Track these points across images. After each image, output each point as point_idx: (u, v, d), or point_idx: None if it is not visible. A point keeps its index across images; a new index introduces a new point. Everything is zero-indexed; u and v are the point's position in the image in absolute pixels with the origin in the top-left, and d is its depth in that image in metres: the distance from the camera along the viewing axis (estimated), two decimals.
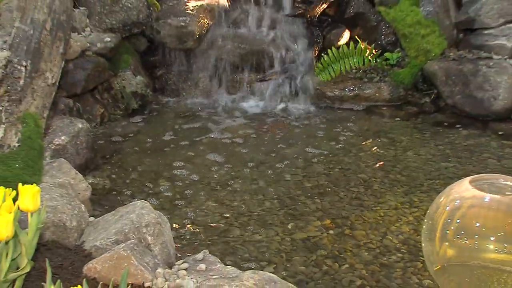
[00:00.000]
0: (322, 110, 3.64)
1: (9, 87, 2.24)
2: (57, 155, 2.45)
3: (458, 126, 3.34)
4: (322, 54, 3.81)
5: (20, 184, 1.36)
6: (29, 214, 1.38)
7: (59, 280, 1.34)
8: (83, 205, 1.98)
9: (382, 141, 3.16)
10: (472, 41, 3.67)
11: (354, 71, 3.77)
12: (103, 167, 2.81)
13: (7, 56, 2.31)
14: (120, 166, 2.85)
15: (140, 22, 3.49)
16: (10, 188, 1.38)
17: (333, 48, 3.78)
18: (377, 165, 2.76)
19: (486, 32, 3.61)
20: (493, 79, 3.36)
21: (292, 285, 1.61)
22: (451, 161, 2.90)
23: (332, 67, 3.75)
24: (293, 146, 3.12)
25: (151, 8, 3.53)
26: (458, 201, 1.66)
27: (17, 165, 2.06)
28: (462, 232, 1.62)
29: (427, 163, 2.88)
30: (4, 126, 2.14)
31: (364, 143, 3.14)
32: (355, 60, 3.76)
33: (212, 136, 3.24)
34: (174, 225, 2.28)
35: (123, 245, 1.66)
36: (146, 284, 1.59)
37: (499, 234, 1.58)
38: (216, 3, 3.86)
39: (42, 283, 1.37)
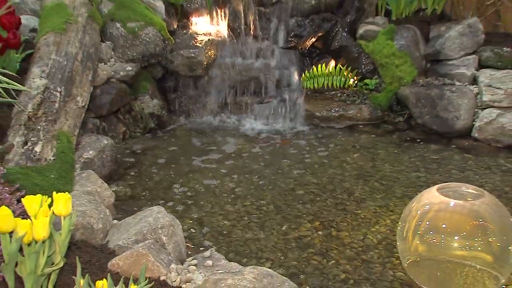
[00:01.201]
0: (312, 128, 3.65)
1: (46, 110, 2.26)
2: (86, 167, 2.45)
3: (427, 142, 3.36)
4: (313, 67, 3.82)
5: (54, 192, 1.38)
6: (62, 218, 1.39)
7: (87, 274, 1.35)
8: (107, 210, 1.99)
9: (363, 155, 3.17)
10: (438, 70, 3.71)
11: (339, 94, 3.79)
12: (125, 177, 2.82)
13: (45, 83, 2.34)
14: (139, 176, 2.86)
15: (157, 54, 3.52)
16: (46, 196, 1.40)
17: (321, 65, 3.80)
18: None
19: (449, 62, 3.64)
20: (455, 102, 3.38)
21: (286, 278, 1.61)
22: (421, 171, 2.92)
23: (317, 79, 3.76)
24: (287, 159, 3.13)
25: (166, 42, 3.56)
26: (427, 206, 1.67)
27: (52, 176, 2.07)
28: (431, 232, 1.63)
29: (401, 173, 2.89)
30: (41, 142, 2.16)
31: (347, 156, 3.15)
32: (336, 78, 3.77)
33: (218, 150, 3.25)
34: (185, 227, 2.28)
35: (142, 244, 1.66)
36: (162, 278, 1.60)
37: (462, 234, 1.60)
38: (221, 37, 3.90)
39: (73, 276, 1.38)
